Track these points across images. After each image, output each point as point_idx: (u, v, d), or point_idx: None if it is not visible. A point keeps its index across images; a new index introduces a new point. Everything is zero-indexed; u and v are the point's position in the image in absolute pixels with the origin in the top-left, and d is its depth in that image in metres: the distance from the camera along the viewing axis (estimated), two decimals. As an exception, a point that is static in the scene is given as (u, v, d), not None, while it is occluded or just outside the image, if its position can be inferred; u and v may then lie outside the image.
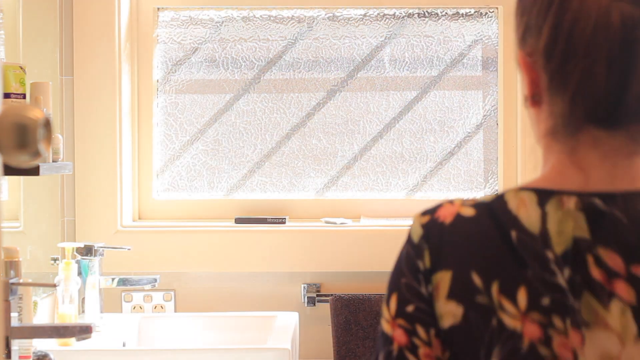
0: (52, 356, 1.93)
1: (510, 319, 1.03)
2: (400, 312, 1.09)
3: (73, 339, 2.16)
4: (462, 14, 2.94)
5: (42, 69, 2.61)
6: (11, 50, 2.44)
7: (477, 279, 1.05)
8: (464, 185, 2.94)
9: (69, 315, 2.32)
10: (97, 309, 2.44)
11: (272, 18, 2.94)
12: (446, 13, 2.93)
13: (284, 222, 2.83)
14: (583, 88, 1.08)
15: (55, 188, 2.71)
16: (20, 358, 1.90)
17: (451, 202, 1.11)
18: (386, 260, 2.78)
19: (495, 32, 2.92)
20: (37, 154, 1.04)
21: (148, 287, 2.55)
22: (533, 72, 1.12)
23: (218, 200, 2.93)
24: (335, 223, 2.83)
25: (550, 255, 1.04)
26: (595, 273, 1.04)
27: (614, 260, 1.04)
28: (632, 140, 1.09)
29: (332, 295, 2.74)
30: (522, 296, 1.03)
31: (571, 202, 1.07)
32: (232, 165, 2.96)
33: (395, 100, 2.94)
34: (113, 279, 2.52)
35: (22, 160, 1.03)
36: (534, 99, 1.13)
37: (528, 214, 1.07)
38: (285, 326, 2.43)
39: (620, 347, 1.02)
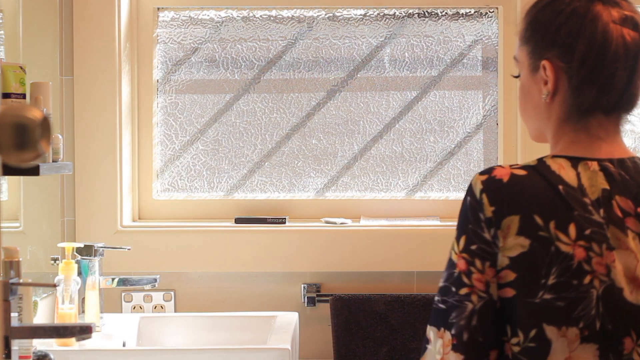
0: (52, 356, 1.93)
1: (564, 246, 1.52)
2: (465, 249, 1.57)
3: (73, 339, 2.16)
4: (462, 14, 2.94)
5: (42, 69, 2.61)
6: (11, 50, 2.44)
7: (538, 220, 1.54)
8: (464, 186, 2.94)
9: (69, 315, 2.32)
10: (97, 309, 2.44)
11: (272, 18, 2.94)
12: (446, 13, 2.93)
13: (284, 222, 2.83)
14: (605, 87, 1.63)
15: (55, 188, 2.71)
16: (20, 358, 1.90)
17: (502, 166, 1.61)
18: (386, 260, 2.79)
19: (495, 32, 2.92)
20: (36, 154, 1.04)
21: (148, 287, 2.55)
22: (557, 74, 1.64)
23: (218, 200, 2.93)
24: (335, 223, 2.83)
25: (587, 201, 1.55)
26: (618, 212, 1.56)
27: (627, 204, 1.57)
28: (619, 123, 1.70)
29: (332, 295, 2.74)
30: (572, 230, 1.53)
31: (594, 165, 1.61)
32: (232, 165, 2.96)
33: (395, 100, 2.94)
34: (113, 279, 2.52)
35: (22, 160, 1.03)
36: (553, 94, 1.66)
37: (567, 173, 1.59)
38: (285, 326, 2.43)
39: (636, 263, 1.53)
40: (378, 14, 2.93)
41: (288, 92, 2.95)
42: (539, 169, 1.61)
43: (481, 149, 2.95)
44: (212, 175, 2.96)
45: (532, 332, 1.53)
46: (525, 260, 1.54)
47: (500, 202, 1.57)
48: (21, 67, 2.03)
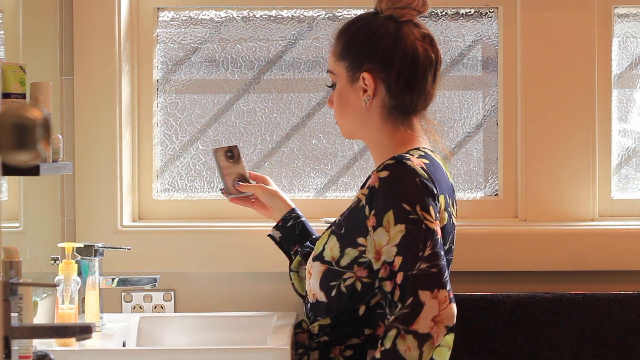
0: (52, 356, 1.93)
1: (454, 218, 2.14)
2: (435, 217, 1.99)
3: (73, 339, 2.16)
4: (462, 14, 2.94)
5: (42, 69, 2.61)
6: (11, 50, 2.44)
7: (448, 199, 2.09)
8: (464, 185, 2.94)
9: (69, 315, 2.32)
10: (97, 309, 2.44)
11: (272, 18, 2.94)
12: (446, 13, 2.93)
13: (284, 222, 2.82)
14: (419, 91, 2.11)
15: (55, 188, 2.71)
16: (20, 358, 1.90)
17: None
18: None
19: (495, 32, 2.92)
20: (36, 154, 1.04)
21: (148, 287, 2.55)
22: (376, 83, 2.09)
23: (218, 200, 2.93)
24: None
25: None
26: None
27: None
28: (423, 120, 2.17)
29: (332, 295, 2.74)
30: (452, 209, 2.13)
31: (439, 155, 2.17)
32: (232, 165, 2.95)
33: (395, 100, 2.94)
34: (113, 279, 2.52)
35: (22, 160, 1.03)
36: (372, 99, 2.10)
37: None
38: (285, 326, 2.43)
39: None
40: (378, 14, 2.93)
41: (288, 92, 2.95)
42: (431, 158, 2.12)
43: (481, 149, 2.95)
44: (212, 175, 2.96)
45: None
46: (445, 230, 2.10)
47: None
48: (21, 67, 2.03)
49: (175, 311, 2.80)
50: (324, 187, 2.95)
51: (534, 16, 2.84)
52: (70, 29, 2.77)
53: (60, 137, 2.21)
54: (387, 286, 1.97)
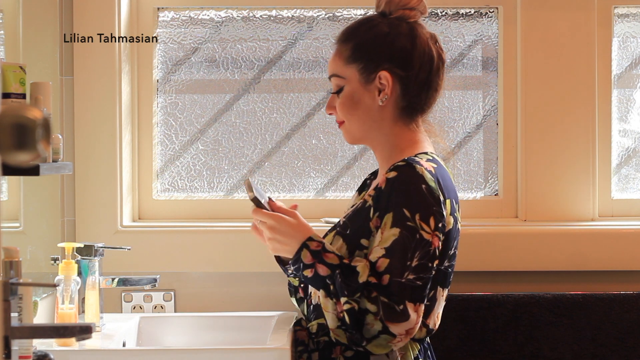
0: (52, 356, 1.93)
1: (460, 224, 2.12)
2: (435, 228, 1.98)
3: (73, 339, 2.16)
4: (462, 14, 2.94)
5: (42, 69, 2.61)
6: (11, 50, 2.44)
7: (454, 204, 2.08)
8: (464, 185, 2.94)
9: (69, 315, 2.32)
10: (97, 309, 2.44)
11: (272, 18, 2.94)
12: (446, 13, 2.93)
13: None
14: (433, 90, 2.13)
15: (55, 188, 2.71)
16: (20, 358, 1.90)
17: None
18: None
19: (495, 32, 2.92)
20: (36, 154, 1.04)
21: (148, 287, 2.55)
22: (395, 82, 2.09)
23: (218, 200, 2.93)
24: (335, 223, 2.83)
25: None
26: None
27: None
28: (425, 122, 2.18)
29: (332, 295, 2.74)
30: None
31: (441, 158, 2.14)
32: (232, 165, 2.96)
33: (395, 100, 2.94)
34: (113, 279, 2.52)
35: (22, 160, 1.03)
36: (387, 98, 2.09)
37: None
38: (284, 326, 2.43)
39: None
40: (378, 14, 2.93)
41: (288, 92, 2.95)
42: (440, 163, 2.12)
43: (481, 149, 2.95)
44: (212, 175, 2.96)
45: None
46: (450, 234, 2.10)
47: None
48: (21, 67, 2.03)
49: (175, 311, 2.80)
50: (324, 187, 2.95)
51: (534, 16, 2.84)
52: (70, 29, 2.77)
53: (60, 137, 2.21)
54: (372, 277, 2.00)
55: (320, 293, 2.04)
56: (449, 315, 2.64)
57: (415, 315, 1.96)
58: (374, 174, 2.31)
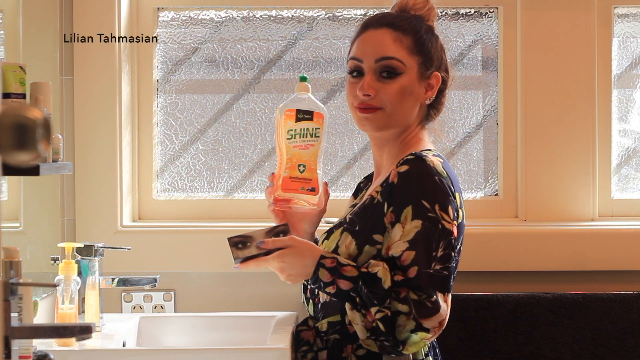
0: (52, 356, 1.93)
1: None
2: (453, 217, 2.01)
3: (73, 339, 2.16)
4: (462, 14, 2.94)
5: (42, 69, 2.61)
6: (11, 50, 2.44)
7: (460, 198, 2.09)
8: (464, 185, 2.94)
9: (69, 315, 2.32)
10: (97, 309, 2.44)
11: (272, 18, 2.94)
12: (446, 13, 2.93)
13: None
14: (445, 98, 2.20)
15: (55, 188, 2.71)
16: (20, 358, 1.90)
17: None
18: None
19: (495, 32, 2.92)
20: (36, 154, 1.04)
21: (148, 287, 2.55)
22: (438, 84, 2.14)
23: (218, 200, 2.93)
24: (334, 223, 2.82)
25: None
26: None
27: None
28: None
29: (332, 295, 2.74)
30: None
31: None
32: (232, 165, 2.96)
33: (395, 100, 2.94)
34: (113, 279, 2.52)
35: (22, 160, 1.03)
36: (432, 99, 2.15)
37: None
38: (284, 326, 2.43)
39: None
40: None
41: (288, 92, 2.94)
42: (444, 159, 2.13)
43: (481, 149, 2.95)
44: (212, 175, 2.96)
45: None
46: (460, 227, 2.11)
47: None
48: (21, 67, 2.03)
49: (175, 311, 2.80)
50: (324, 187, 2.95)
51: (534, 16, 2.84)
52: (70, 29, 2.77)
53: (60, 137, 2.21)
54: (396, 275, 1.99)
55: (347, 306, 2.03)
56: (449, 315, 2.64)
57: (445, 305, 1.97)
58: (368, 178, 2.30)
